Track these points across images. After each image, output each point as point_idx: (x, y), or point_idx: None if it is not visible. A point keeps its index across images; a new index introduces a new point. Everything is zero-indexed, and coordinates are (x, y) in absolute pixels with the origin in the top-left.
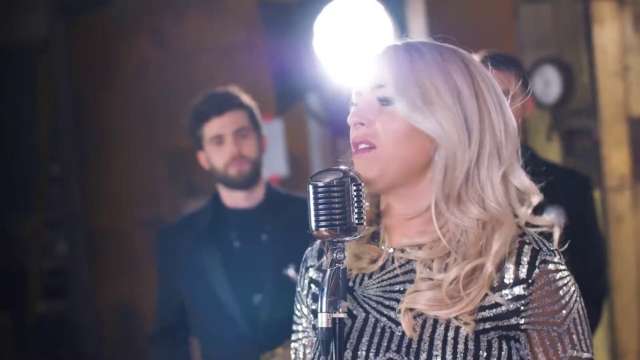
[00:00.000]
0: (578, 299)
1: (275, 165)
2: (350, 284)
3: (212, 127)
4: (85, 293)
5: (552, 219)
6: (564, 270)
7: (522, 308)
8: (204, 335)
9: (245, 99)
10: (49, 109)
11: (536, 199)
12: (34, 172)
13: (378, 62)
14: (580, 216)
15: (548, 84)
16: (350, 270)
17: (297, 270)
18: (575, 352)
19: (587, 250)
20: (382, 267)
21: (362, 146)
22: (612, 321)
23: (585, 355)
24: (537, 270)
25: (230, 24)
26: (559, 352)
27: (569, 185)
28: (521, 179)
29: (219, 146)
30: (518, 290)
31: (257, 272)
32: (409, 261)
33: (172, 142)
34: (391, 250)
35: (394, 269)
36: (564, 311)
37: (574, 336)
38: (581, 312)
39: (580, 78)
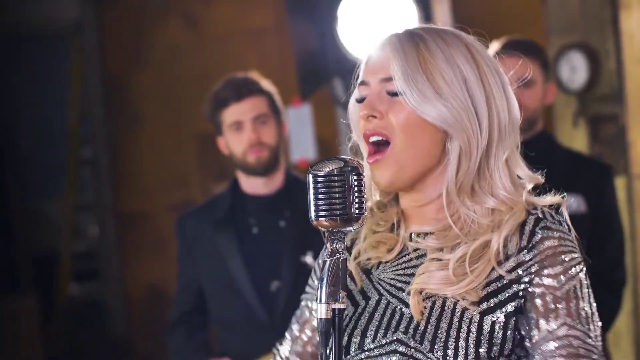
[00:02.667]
0: (582, 274)
1: (304, 150)
2: (368, 267)
3: (231, 113)
4: (115, 276)
5: (556, 199)
6: (569, 242)
7: (522, 273)
8: (221, 321)
9: (265, 84)
10: (80, 91)
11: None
12: (65, 155)
13: (384, 53)
14: (600, 205)
15: (574, 69)
16: (369, 260)
17: (314, 257)
18: (571, 320)
19: (606, 239)
20: (399, 253)
21: (374, 139)
22: (637, 308)
23: (587, 335)
24: (537, 236)
25: (259, 7)
26: (551, 316)
27: (589, 173)
28: (521, 166)
29: (238, 132)
30: (519, 257)
31: (274, 258)
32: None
33: (202, 125)
34: (407, 234)
35: (409, 253)
36: (562, 277)
37: (571, 304)
38: (585, 289)
39: (606, 64)
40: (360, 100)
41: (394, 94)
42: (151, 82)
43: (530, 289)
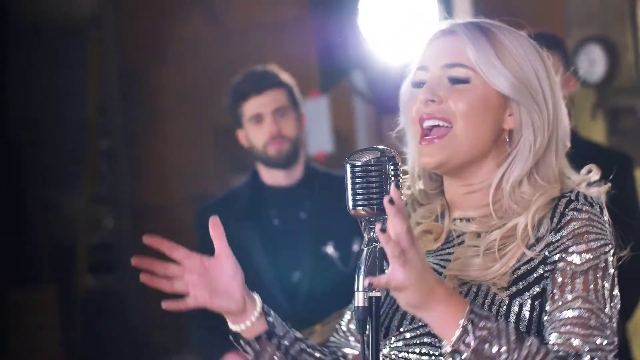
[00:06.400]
0: (606, 256)
1: (321, 142)
2: None
3: (251, 106)
4: (132, 268)
5: (600, 191)
6: (598, 224)
7: (548, 254)
8: None
9: (285, 77)
10: (98, 84)
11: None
12: (83, 147)
13: (449, 40)
14: (620, 195)
15: (593, 62)
16: None
17: (335, 247)
18: (586, 294)
19: (626, 230)
20: (445, 241)
21: (429, 123)
22: None
23: (602, 310)
24: (566, 217)
25: (279, 0)
26: (567, 289)
27: (609, 164)
28: (568, 168)
29: (258, 125)
30: (548, 238)
31: (296, 249)
32: (464, 233)
33: (219, 118)
34: (451, 220)
35: (453, 240)
36: (585, 255)
37: (589, 279)
38: (609, 270)
39: (625, 57)
40: (417, 84)
41: (455, 82)
42: (170, 74)
43: (554, 267)
